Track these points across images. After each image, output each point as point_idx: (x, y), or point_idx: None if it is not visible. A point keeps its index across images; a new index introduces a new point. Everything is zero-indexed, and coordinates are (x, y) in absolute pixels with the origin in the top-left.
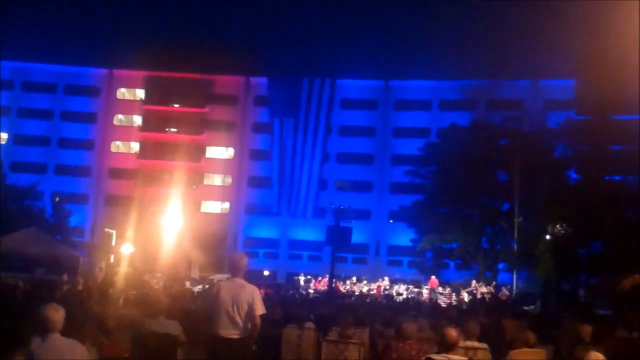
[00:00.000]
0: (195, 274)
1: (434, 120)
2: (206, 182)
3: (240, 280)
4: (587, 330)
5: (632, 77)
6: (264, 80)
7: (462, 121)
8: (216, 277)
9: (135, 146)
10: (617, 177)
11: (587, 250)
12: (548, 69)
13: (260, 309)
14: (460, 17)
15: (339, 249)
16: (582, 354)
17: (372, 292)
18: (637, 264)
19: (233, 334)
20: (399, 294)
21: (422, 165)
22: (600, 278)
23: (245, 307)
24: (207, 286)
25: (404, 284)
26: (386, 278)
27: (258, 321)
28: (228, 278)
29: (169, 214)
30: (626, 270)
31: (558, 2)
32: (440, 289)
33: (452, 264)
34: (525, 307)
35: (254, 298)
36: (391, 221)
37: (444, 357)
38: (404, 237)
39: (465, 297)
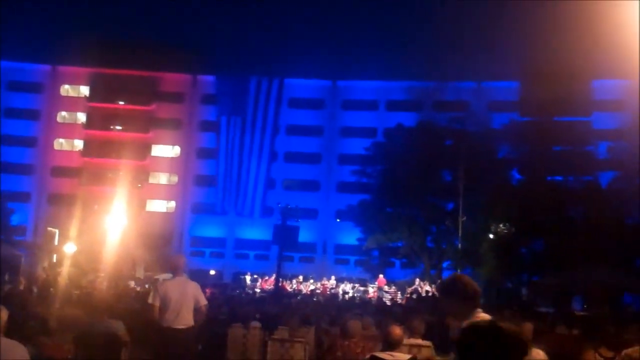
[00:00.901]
0: (140, 273)
1: (380, 121)
2: (152, 180)
3: (182, 278)
4: (528, 327)
5: (574, 80)
6: (211, 78)
7: (408, 121)
8: (162, 276)
9: (79, 144)
10: (559, 178)
11: (529, 250)
12: (492, 71)
13: (204, 300)
14: (406, 19)
15: (286, 248)
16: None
17: (318, 291)
18: (578, 263)
19: (181, 325)
20: (345, 293)
21: (369, 165)
22: (541, 277)
23: (192, 301)
24: (150, 285)
25: (350, 283)
26: (332, 277)
27: (205, 309)
28: (172, 277)
29: (113, 213)
30: (567, 268)
31: (502, 5)
32: (385, 288)
33: (397, 262)
34: None
35: (197, 292)
36: (338, 220)
37: (389, 354)
38: (350, 236)
39: (411, 295)
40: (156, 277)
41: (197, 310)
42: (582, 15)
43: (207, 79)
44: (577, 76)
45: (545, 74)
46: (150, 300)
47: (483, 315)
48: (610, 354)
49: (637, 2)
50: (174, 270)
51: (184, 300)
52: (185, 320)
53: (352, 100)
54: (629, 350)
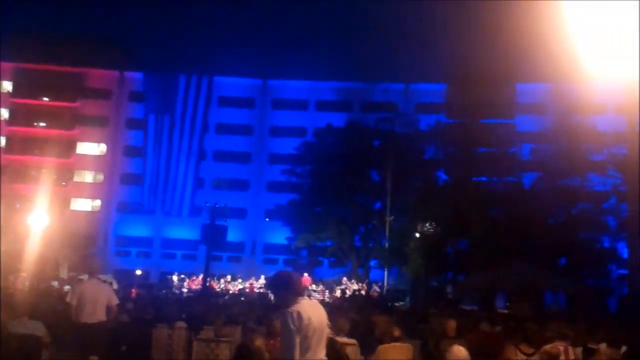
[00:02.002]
0: (64, 273)
1: (310, 120)
2: (76, 179)
3: (98, 279)
4: (451, 325)
5: (499, 83)
6: (139, 75)
7: (337, 122)
8: (86, 276)
9: (1, 140)
10: (484, 179)
11: (455, 249)
12: (420, 72)
13: (116, 300)
14: (336, 19)
15: (214, 248)
16: (446, 347)
17: (246, 291)
18: (501, 262)
19: (95, 320)
20: None
21: (299, 165)
22: (466, 275)
23: (105, 300)
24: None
25: None
26: (262, 276)
27: (115, 308)
28: (88, 278)
29: (36, 212)
30: (491, 267)
31: (430, 8)
32: (313, 286)
33: (326, 261)
34: (395, 303)
35: (110, 291)
36: (267, 220)
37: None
38: (279, 236)
39: (338, 294)
40: (80, 277)
41: (109, 308)
42: (507, 19)
43: (135, 76)
44: (501, 79)
45: (471, 76)
46: (68, 299)
47: (305, 301)
48: (530, 350)
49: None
50: (90, 271)
51: (98, 299)
52: (99, 316)
53: (283, 100)
54: (548, 347)
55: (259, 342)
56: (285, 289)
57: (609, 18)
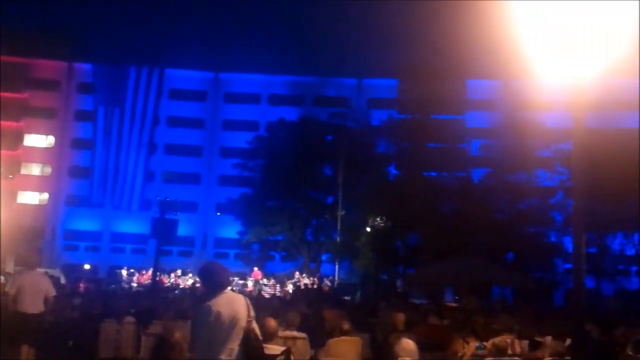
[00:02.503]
0: (10, 267)
1: (263, 114)
2: (24, 171)
3: (38, 271)
4: (400, 318)
5: (450, 79)
6: (88, 66)
7: (290, 116)
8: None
9: None
10: (434, 173)
11: (405, 243)
12: (373, 68)
13: (53, 292)
14: (289, 14)
15: (164, 242)
16: (395, 341)
17: (197, 285)
18: (450, 256)
19: (34, 310)
20: None
21: (251, 159)
22: (416, 269)
23: (43, 291)
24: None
25: None
26: None
27: (52, 299)
28: (27, 270)
29: None
30: (440, 261)
31: (383, 4)
32: (264, 281)
33: (277, 255)
34: (345, 297)
35: (48, 283)
36: (219, 214)
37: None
38: (231, 230)
39: (290, 288)
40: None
41: (46, 299)
42: (457, 17)
43: (84, 67)
44: (452, 76)
45: (423, 72)
46: (6, 289)
47: (224, 295)
48: (477, 343)
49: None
50: (29, 264)
51: (37, 290)
52: (37, 307)
53: (235, 93)
54: (496, 340)
55: (178, 335)
56: (208, 281)
57: (558, 18)
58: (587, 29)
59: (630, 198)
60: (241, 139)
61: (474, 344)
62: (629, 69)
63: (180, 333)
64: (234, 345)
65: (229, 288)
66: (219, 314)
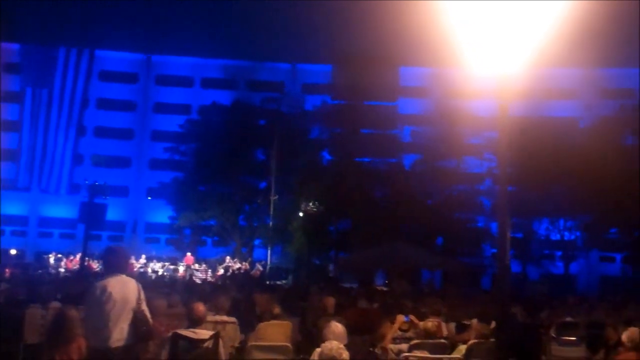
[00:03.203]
0: None
1: (195, 98)
2: None
3: None
4: (330, 302)
5: (383, 66)
6: (15, 46)
7: (223, 100)
8: None
9: None
10: (367, 159)
11: (337, 228)
12: (307, 53)
13: None
14: None
15: (93, 227)
16: (324, 324)
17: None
18: (382, 241)
19: None
20: (155, 272)
21: (183, 143)
22: (348, 253)
23: None
24: None
25: (160, 262)
26: (142, 256)
27: None
28: None
29: None
30: (371, 246)
31: None
32: (196, 266)
33: (209, 240)
34: (278, 282)
35: None
36: (149, 198)
37: (191, 331)
38: (162, 215)
39: (221, 273)
40: None
41: None
42: (391, 4)
43: (11, 47)
44: (385, 63)
45: (357, 59)
46: None
47: (116, 277)
48: (405, 326)
49: None
50: None
51: None
52: None
53: (167, 76)
54: (424, 323)
55: (73, 312)
56: (107, 263)
57: (485, 10)
58: (510, 21)
59: (556, 185)
60: (173, 123)
61: (401, 317)
62: (555, 59)
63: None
64: (124, 324)
65: (125, 273)
66: (110, 294)
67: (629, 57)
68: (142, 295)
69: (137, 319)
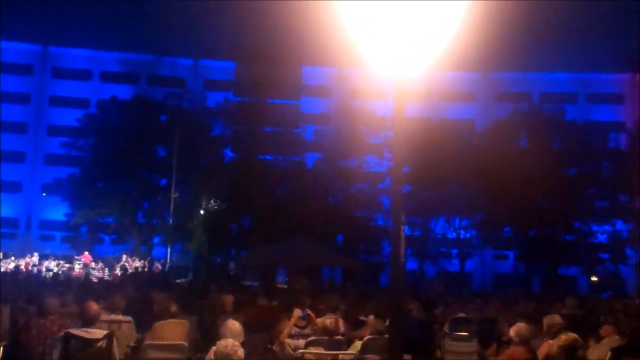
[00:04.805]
0: None
1: (94, 92)
2: None
3: None
4: (228, 300)
5: (286, 64)
6: None
7: (123, 94)
8: None
9: None
10: (269, 157)
11: (239, 225)
12: (210, 49)
13: None
14: None
15: None
16: (222, 322)
17: (21, 268)
18: (283, 238)
19: None
20: (49, 270)
21: (81, 137)
22: (249, 251)
23: None
24: None
25: (55, 260)
26: (35, 254)
27: None
28: None
29: None
30: (273, 243)
31: None
32: (93, 264)
33: (107, 238)
34: (177, 280)
35: None
36: (44, 194)
37: (84, 331)
38: (57, 211)
39: (119, 271)
40: None
41: None
42: (294, 2)
43: None
44: (288, 61)
45: (260, 56)
46: None
47: None
48: (303, 323)
49: None
50: None
51: None
52: None
53: (64, 69)
54: (321, 320)
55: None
56: None
57: (387, 13)
58: (410, 23)
59: (452, 185)
60: (70, 117)
61: (298, 312)
62: (454, 63)
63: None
64: None
65: None
66: None
67: (524, 62)
68: None
69: None
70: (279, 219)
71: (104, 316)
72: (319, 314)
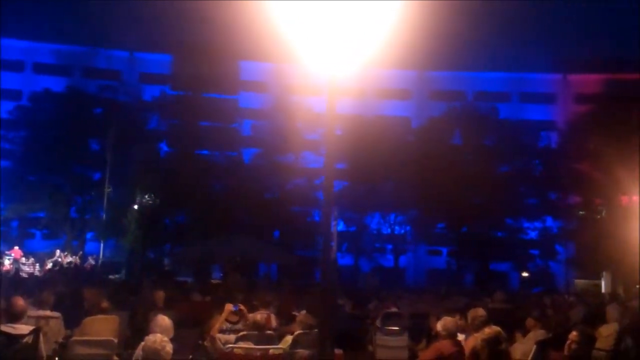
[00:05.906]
0: None
1: (26, 83)
2: None
3: None
4: (160, 295)
5: (223, 58)
6: None
7: (56, 86)
8: None
9: None
10: (206, 152)
11: (174, 221)
12: (146, 41)
13: None
14: None
15: None
16: (152, 318)
17: None
18: (219, 234)
19: None
20: None
21: (11, 130)
22: (184, 247)
23: None
24: None
25: None
26: None
27: None
28: None
29: None
30: (208, 239)
31: None
32: (23, 260)
33: (38, 233)
34: (110, 276)
35: None
36: None
37: (9, 327)
38: None
39: (50, 267)
40: None
41: None
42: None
43: None
44: (226, 55)
45: (197, 50)
46: None
47: None
48: (235, 318)
49: None
50: None
51: None
52: None
53: None
54: (252, 315)
55: None
56: None
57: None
58: (344, 20)
59: (387, 181)
60: (1, 109)
61: (229, 306)
62: (389, 60)
63: None
64: None
65: None
66: None
67: (460, 61)
68: None
69: None
70: (215, 215)
71: (32, 312)
72: (253, 309)
